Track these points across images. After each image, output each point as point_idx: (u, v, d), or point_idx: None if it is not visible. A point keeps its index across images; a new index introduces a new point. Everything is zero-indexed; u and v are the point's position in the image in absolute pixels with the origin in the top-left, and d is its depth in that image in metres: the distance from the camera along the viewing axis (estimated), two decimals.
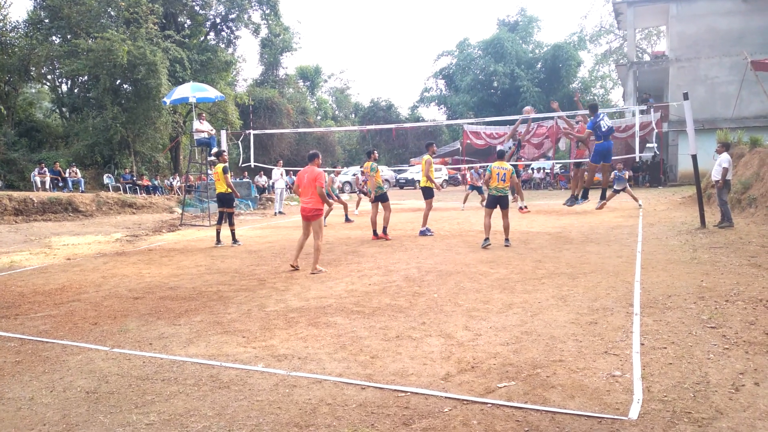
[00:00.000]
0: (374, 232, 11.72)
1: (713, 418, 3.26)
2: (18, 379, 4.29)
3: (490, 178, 9.99)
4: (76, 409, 3.71)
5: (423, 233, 12.00)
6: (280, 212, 19.97)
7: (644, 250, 8.98)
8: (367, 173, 11.93)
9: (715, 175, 11.37)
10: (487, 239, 9.83)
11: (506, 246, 9.78)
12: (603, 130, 10.40)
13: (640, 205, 16.60)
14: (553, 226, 12.71)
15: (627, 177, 18.86)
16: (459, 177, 37.32)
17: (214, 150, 17.23)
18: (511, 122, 29.50)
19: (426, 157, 11.99)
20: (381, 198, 11.62)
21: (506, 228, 10.06)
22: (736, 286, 6.32)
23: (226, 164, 11.79)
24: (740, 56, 23.96)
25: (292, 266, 8.46)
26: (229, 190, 11.60)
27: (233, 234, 11.67)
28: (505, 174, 9.88)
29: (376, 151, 12.84)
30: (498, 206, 10.03)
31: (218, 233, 11.75)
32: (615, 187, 16.15)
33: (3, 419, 3.61)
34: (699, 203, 11.60)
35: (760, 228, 10.74)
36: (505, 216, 10.07)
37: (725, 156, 11.16)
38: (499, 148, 11.16)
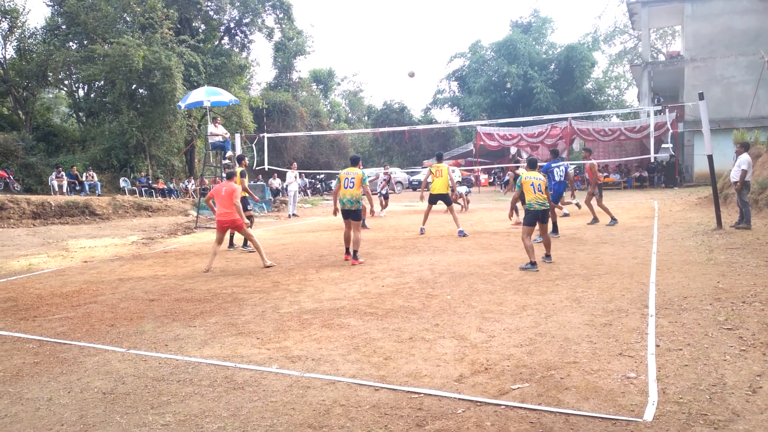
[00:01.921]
0: (347, 249, 9.52)
1: (729, 420, 3.23)
2: (36, 380, 4.36)
3: (522, 193, 8.40)
4: (93, 410, 3.75)
5: (462, 233, 11.98)
6: (293, 214, 20.06)
7: (659, 251, 8.90)
8: (358, 182, 9.19)
9: (734, 176, 11.22)
10: (534, 263, 7.89)
11: (548, 263, 8.27)
12: (555, 180, 11.17)
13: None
14: (567, 227, 12.64)
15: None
16: (472, 179, 37.24)
17: (229, 153, 17.36)
18: (525, 123, 29.70)
19: (447, 165, 12.62)
20: (355, 215, 9.26)
21: (548, 244, 8.48)
22: (753, 287, 6.24)
23: (244, 169, 11.77)
24: (756, 55, 23.73)
25: (207, 270, 8.90)
26: (245, 194, 11.46)
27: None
28: (540, 184, 8.19)
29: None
30: (538, 221, 8.29)
31: (231, 236, 11.75)
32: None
33: (22, 419, 3.66)
34: (715, 204, 11.48)
35: None
36: (545, 231, 8.48)
37: (745, 157, 11.01)
38: (531, 156, 11.27)
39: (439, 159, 13.19)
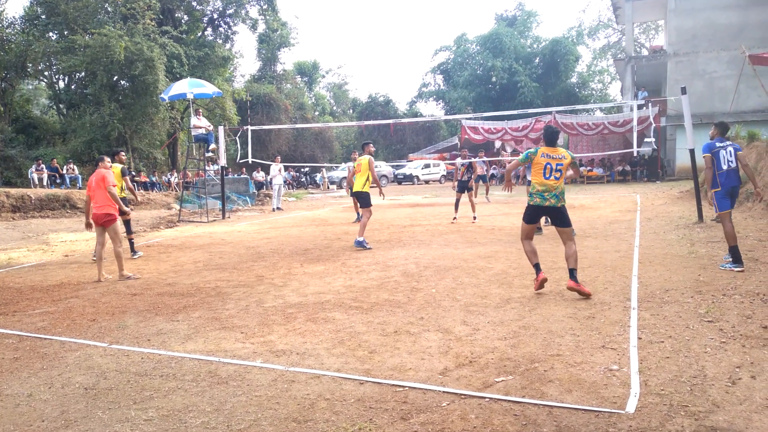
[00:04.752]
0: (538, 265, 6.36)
1: (710, 411, 3.27)
2: (16, 376, 4.30)
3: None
4: (75, 405, 3.71)
5: (360, 244, 9.86)
6: (278, 208, 19.96)
7: (642, 244, 8.99)
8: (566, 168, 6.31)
9: None
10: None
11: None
12: (722, 168, 7.14)
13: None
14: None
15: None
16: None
17: (212, 146, 17.22)
18: (510, 117, 29.80)
19: (367, 157, 10.27)
20: (561, 219, 6.31)
21: None
22: (733, 280, 6.33)
23: (125, 165, 10.24)
24: (738, 50, 23.96)
25: (99, 280, 7.78)
26: (125, 195, 10.01)
27: (131, 244, 10.21)
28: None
29: (372, 145, 10.75)
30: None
31: (130, 243, 10.24)
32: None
33: (2, 416, 3.61)
34: (696, 198, 11.62)
35: (758, 222, 10.76)
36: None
37: None
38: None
39: (364, 147, 10.54)
